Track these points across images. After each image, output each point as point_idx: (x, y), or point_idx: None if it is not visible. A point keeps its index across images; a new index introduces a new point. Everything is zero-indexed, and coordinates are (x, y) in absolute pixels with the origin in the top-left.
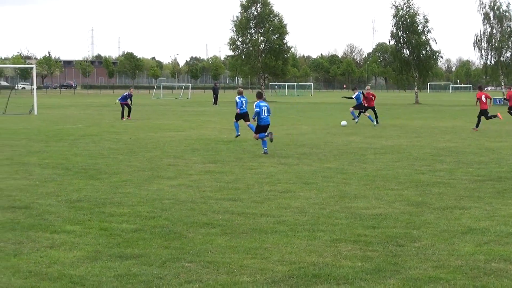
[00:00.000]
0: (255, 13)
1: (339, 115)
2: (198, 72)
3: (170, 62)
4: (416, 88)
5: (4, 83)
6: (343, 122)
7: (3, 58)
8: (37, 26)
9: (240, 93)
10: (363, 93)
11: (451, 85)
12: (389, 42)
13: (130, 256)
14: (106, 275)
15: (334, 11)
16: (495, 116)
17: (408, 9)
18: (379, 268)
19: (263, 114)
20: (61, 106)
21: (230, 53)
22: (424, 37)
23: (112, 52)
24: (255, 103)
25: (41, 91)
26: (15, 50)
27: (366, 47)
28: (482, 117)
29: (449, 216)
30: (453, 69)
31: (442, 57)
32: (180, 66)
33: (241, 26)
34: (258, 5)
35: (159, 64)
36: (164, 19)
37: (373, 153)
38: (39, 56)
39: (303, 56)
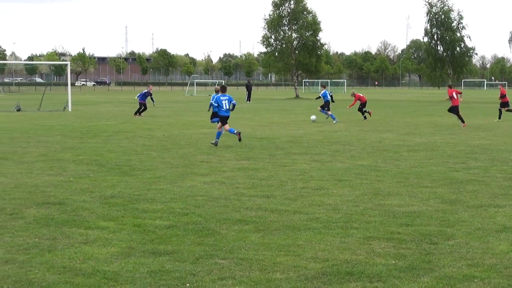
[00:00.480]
0: (288, 10)
1: (374, 112)
2: (232, 68)
3: (204, 58)
4: None
5: (39, 79)
6: (312, 117)
7: (38, 55)
8: (72, 23)
9: (218, 91)
10: (331, 95)
11: (485, 82)
12: (423, 38)
13: (163, 253)
14: (139, 271)
15: (368, 7)
16: None
17: (442, 5)
18: (412, 266)
19: (225, 107)
20: (95, 103)
21: (263, 49)
22: (458, 34)
23: (146, 49)
24: (216, 96)
25: (75, 88)
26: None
27: (400, 44)
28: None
29: (483, 214)
30: (488, 66)
31: (476, 54)
32: (214, 63)
33: (274, 23)
34: (292, 2)
35: (193, 61)
36: (198, 16)
37: (406, 150)
38: (74, 53)
39: (337, 53)
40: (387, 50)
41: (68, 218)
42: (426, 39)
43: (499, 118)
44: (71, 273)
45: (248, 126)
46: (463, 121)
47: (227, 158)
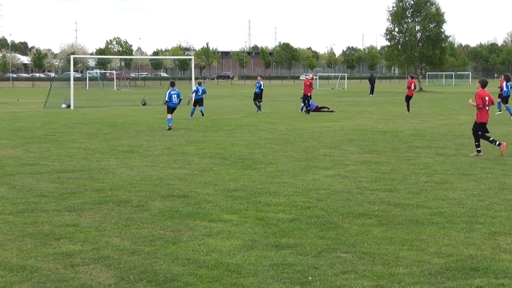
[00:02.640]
0: (412, 2)
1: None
2: (354, 62)
3: (326, 52)
4: None
5: (164, 74)
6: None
7: (163, 50)
8: (196, 18)
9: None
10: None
11: None
12: None
13: (285, 246)
14: (262, 264)
15: None
16: None
17: None
18: None
19: (174, 100)
20: (218, 97)
21: (386, 43)
22: None
23: (269, 42)
24: (168, 91)
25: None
26: (175, 42)
27: None
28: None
29: None
30: None
31: None
32: (336, 56)
33: (397, 15)
34: None
35: (315, 54)
36: (320, 9)
37: None
38: (198, 47)
39: (461, 45)
40: None
41: (192, 210)
42: None
43: None
44: (195, 265)
45: (371, 120)
46: (408, 109)
47: (349, 152)
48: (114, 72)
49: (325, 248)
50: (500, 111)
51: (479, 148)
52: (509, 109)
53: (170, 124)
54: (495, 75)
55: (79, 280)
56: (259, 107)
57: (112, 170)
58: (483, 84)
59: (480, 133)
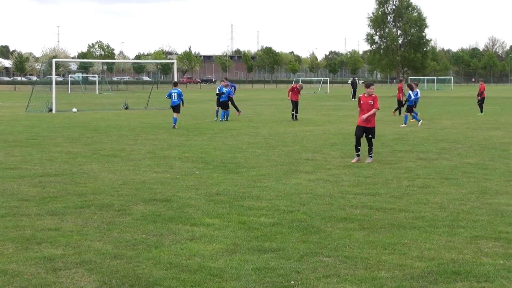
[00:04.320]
0: (393, 7)
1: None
2: (337, 66)
3: (309, 56)
4: None
5: (146, 78)
6: (74, 109)
7: (145, 54)
8: (178, 22)
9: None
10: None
11: None
12: None
13: (268, 250)
14: (244, 268)
15: (475, 3)
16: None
17: None
18: None
19: (174, 98)
20: (200, 101)
21: (369, 47)
22: None
23: (251, 46)
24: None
25: (181, 86)
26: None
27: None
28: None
29: None
30: None
31: None
32: (319, 60)
33: (378, 21)
34: None
35: (298, 59)
36: (303, 14)
37: None
38: (180, 51)
39: (443, 49)
40: (495, 47)
41: (174, 214)
42: None
43: None
44: (177, 269)
45: (353, 124)
46: (396, 109)
47: (332, 156)
48: (96, 75)
49: (307, 252)
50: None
51: None
52: (406, 118)
53: (174, 123)
54: (473, 79)
55: (60, 285)
56: (221, 114)
57: (94, 174)
58: None
59: None
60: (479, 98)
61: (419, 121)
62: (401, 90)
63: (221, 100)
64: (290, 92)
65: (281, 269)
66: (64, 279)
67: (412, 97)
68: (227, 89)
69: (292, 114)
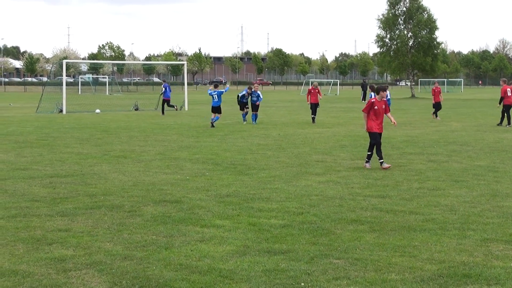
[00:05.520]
0: (404, 8)
1: (491, 111)
2: (347, 68)
3: (319, 58)
4: None
5: (156, 79)
6: (97, 110)
7: (155, 55)
8: (189, 24)
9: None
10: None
11: None
12: None
13: (278, 252)
14: (254, 269)
15: (485, 5)
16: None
17: None
18: None
19: (215, 99)
20: (210, 102)
21: (378, 49)
22: None
23: (261, 48)
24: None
25: (191, 87)
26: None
27: None
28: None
29: None
30: None
31: None
32: (329, 62)
33: (388, 22)
34: (407, 0)
35: (308, 60)
36: (313, 15)
37: None
38: (190, 53)
39: (454, 51)
40: (506, 49)
41: (184, 216)
42: None
43: None
44: (187, 271)
45: (363, 125)
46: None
47: (342, 158)
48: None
49: (317, 254)
50: None
51: None
52: None
53: (213, 121)
54: (480, 82)
55: (71, 285)
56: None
57: (104, 175)
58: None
59: None
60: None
61: None
62: (437, 93)
63: (252, 103)
64: (309, 96)
65: (291, 271)
66: (75, 280)
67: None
68: (255, 92)
69: (313, 118)
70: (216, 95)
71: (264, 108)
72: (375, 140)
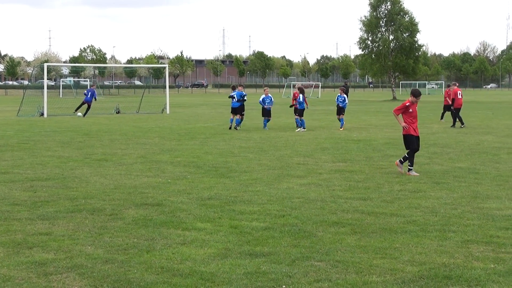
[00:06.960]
0: (386, 11)
1: (471, 113)
2: (328, 70)
3: (300, 60)
4: None
5: (137, 82)
6: (78, 114)
7: (137, 58)
8: (171, 27)
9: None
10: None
11: None
12: None
13: (259, 254)
14: (236, 272)
15: (467, 8)
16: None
17: None
18: None
19: (234, 100)
20: (192, 105)
21: (360, 52)
22: None
23: (243, 51)
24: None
25: (173, 90)
26: (149, 50)
27: (500, 45)
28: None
29: None
30: None
31: None
32: (310, 65)
33: (371, 25)
34: (388, 3)
35: (289, 63)
36: (294, 18)
37: (506, 152)
38: (172, 55)
39: (435, 54)
40: (486, 51)
41: (166, 219)
42: None
43: None
44: (169, 274)
45: (345, 128)
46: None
47: (323, 160)
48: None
49: (299, 257)
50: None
51: None
52: (303, 123)
53: (237, 124)
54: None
55: None
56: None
57: (85, 178)
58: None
59: None
60: None
61: (304, 128)
62: (449, 95)
63: (264, 107)
64: (295, 101)
65: (272, 273)
66: (55, 284)
67: (301, 100)
68: (269, 96)
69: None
70: (235, 96)
71: (247, 111)
72: (413, 145)
